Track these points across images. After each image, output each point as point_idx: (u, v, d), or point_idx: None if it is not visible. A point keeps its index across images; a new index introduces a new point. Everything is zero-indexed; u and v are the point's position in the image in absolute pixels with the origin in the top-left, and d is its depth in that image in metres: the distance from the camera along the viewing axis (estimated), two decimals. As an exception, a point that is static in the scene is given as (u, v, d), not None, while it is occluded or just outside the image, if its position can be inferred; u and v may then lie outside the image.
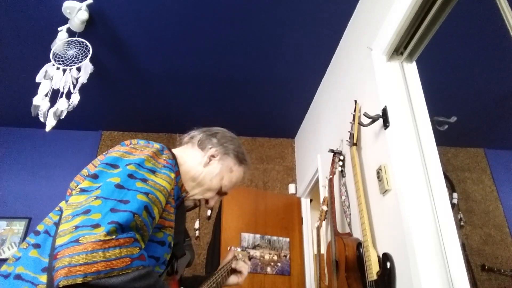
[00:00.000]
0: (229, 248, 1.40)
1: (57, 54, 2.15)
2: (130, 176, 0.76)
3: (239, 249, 1.48)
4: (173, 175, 0.85)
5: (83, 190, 0.74)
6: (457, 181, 3.50)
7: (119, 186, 0.73)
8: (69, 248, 0.62)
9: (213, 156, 1.07)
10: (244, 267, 1.34)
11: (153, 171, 0.81)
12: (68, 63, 2.14)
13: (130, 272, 0.64)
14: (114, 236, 0.64)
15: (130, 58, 2.73)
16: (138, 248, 0.67)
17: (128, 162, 0.80)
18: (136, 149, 0.86)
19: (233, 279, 1.31)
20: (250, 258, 1.54)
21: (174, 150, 1.04)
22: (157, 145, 0.90)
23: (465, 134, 3.43)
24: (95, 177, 0.77)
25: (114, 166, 0.79)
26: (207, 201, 1.08)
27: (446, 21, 1.55)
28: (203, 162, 1.05)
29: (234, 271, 1.33)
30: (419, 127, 1.60)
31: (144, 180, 0.77)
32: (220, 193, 1.10)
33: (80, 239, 0.62)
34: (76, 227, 0.64)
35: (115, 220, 0.66)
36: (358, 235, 1.73)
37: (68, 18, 2.25)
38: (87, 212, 0.67)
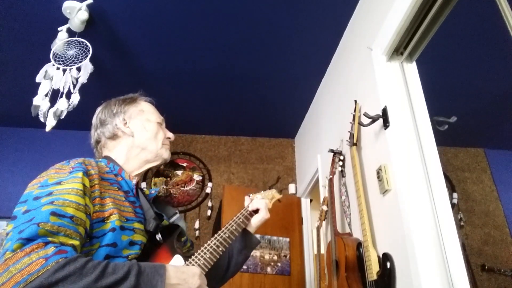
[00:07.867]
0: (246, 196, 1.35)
1: (57, 54, 2.15)
2: (36, 198, 0.79)
3: (259, 194, 1.40)
4: (80, 174, 0.87)
5: (7, 234, 0.78)
6: (457, 181, 3.49)
7: (25, 212, 0.77)
8: None
9: (124, 124, 1.13)
10: (258, 202, 1.31)
11: (59, 183, 0.84)
12: (68, 63, 2.13)
13: (49, 268, 0.66)
14: (18, 250, 0.68)
15: (130, 58, 2.73)
16: (52, 247, 0.70)
17: (35, 190, 0.83)
18: (42, 177, 0.88)
19: (256, 218, 1.29)
20: (275, 190, 1.49)
21: (106, 155, 1.12)
22: (65, 162, 0.94)
23: (465, 134, 3.43)
24: (13, 218, 0.80)
25: (25, 201, 0.82)
26: (168, 138, 1.20)
27: (446, 21, 1.55)
28: (128, 134, 1.12)
29: (254, 212, 1.30)
30: (419, 127, 1.60)
31: (49, 194, 0.80)
32: (161, 124, 1.22)
33: None
34: None
35: (21, 237, 0.70)
36: (358, 235, 1.73)
37: (68, 18, 2.25)
38: (3, 248, 0.72)
